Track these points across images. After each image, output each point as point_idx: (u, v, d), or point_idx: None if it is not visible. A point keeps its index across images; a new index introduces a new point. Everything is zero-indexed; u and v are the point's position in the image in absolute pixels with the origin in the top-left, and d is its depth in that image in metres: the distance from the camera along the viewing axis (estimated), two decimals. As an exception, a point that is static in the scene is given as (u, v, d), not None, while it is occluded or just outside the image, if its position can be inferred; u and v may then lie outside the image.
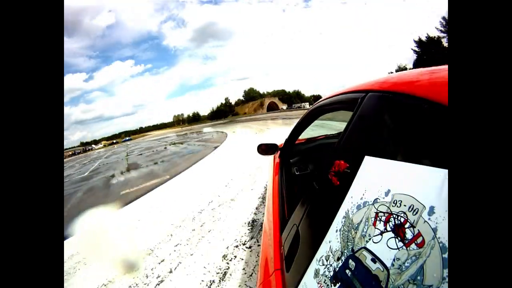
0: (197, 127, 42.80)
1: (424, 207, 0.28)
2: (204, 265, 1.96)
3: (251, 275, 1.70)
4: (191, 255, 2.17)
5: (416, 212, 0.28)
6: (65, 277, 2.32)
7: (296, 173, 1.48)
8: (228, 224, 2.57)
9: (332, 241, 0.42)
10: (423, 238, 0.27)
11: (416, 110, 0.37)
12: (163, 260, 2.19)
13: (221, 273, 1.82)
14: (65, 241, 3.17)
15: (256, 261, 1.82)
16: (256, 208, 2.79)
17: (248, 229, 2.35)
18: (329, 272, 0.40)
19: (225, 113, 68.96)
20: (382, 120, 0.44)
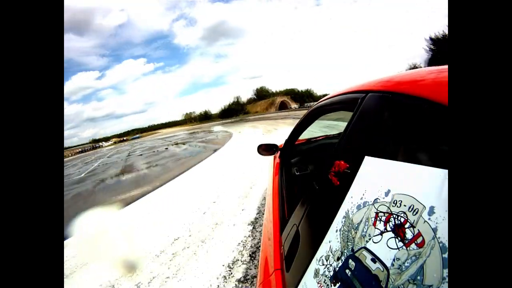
0: (205, 126, 42.05)
1: (424, 207, 0.28)
2: None
3: None
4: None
5: (416, 212, 0.28)
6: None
7: (296, 173, 1.48)
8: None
9: (332, 241, 0.42)
10: (423, 238, 0.27)
11: (416, 110, 0.37)
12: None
13: None
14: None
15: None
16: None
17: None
18: (329, 272, 0.40)
19: (235, 111, 68.25)
20: (382, 120, 0.44)
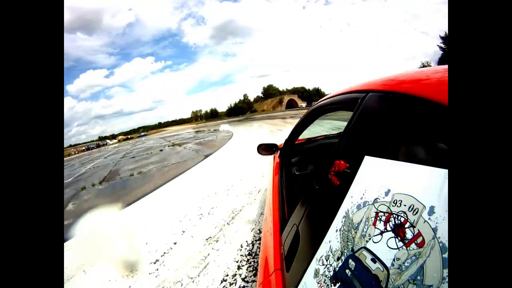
0: (210, 124, 41.31)
1: (424, 207, 0.28)
2: None
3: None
4: None
5: (416, 212, 0.28)
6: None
7: (296, 173, 1.48)
8: None
9: (332, 241, 0.42)
10: (423, 238, 0.27)
11: (416, 110, 0.37)
12: None
13: None
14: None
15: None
16: None
17: None
18: (329, 272, 0.40)
19: (242, 110, 67.84)
20: (382, 120, 0.44)
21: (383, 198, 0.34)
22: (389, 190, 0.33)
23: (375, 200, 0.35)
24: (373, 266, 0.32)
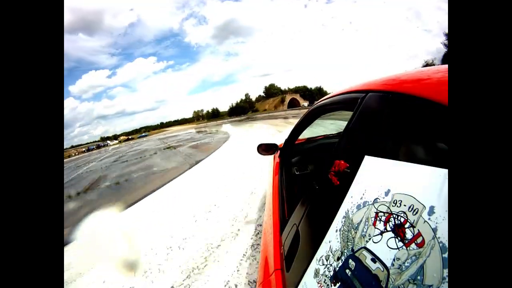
0: (211, 124, 40.42)
1: (424, 207, 0.28)
2: None
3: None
4: None
5: (416, 212, 0.28)
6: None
7: (296, 173, 1.48)
8: None
9: (332, 241, 0.42)
10: (423, 238, 0.27)
11: (416, 110, 0.37)
12: None
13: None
14: None
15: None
16: None
17: None
18: (329, 272, 0.40)
19: (244, 109, 66.93)
20: (382, 120, 0.44)
21: (383, 198, 0.34)
22: (389, 190, 0.33)
23: (375, 200, 0.35)
24: (373, 266, 0.32)
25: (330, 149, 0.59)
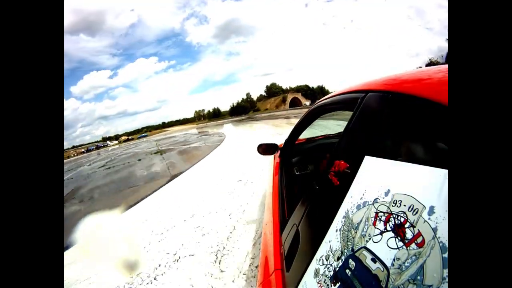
0: (210, 124, 39.87)
1: (424, 207, 0.28)
2: None
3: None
4: None
5: (416, 212, 0.28)
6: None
7: (296, 173, 1.48)
8: None
9: (332, 240, 0.42)
10: (423, 238, 0.27)
11: (416, 110, 0.37)
12: None
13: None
14: None
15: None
16: None
17: None
18: (329, 271, 0.40)
19: (245, 109, 66.12)
20: (382, 120, 0.44)
21: (383, 198, 0.34)
22: (389, 190, 0.33)
23: (375, 200, 0.35)
24: (373, 266, 0.32)
25: (330, 149, 0.59)
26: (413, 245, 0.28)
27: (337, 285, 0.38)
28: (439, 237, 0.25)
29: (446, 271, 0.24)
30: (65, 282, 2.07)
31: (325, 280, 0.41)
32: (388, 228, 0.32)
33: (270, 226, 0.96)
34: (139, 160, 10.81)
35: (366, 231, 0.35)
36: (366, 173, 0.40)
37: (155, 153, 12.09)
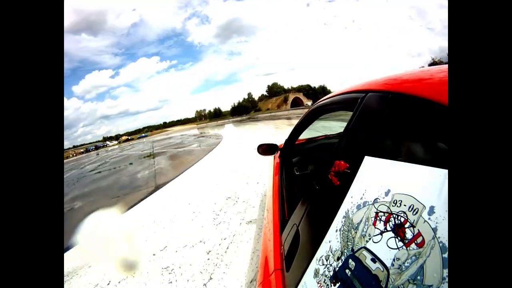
0: (211, 125, 39.03)
1: (424, 207, 0.28)
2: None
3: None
4: None
5: (416, 212, 0.28)
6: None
7: (296, 173, 1.48)
8: None
9: (332, 241, 0.42)
10: (423, 238, 0.27)
11: (416, 110, 0.37)
12: None
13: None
14: None
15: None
16: None
17: None
18: (329, 271, 0.40)
19: (246, 108, 65.96)
20: (382, 120, 0.44)
21: (383, 198, 0.34)
22: (389, 190, 0.33)
23: (375, 200, 0.35)
24: (373, 266, 0.32)
25: (330, 149, 0.59)
26: (413, 245, 0.28)
27: (337, 285, 0.38)
28: (439, 237, 0.25)
29: (446, 271, 0.24)
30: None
31: (325, 280, 0.41)
32: (388, 228, 0.32)
33: (270, 226, 0.96)
34: (131, 163, 10.06)
35: (366, 231, 0.35)
36: (366, 173, 0.40)
37: (147, 156, 11.31)
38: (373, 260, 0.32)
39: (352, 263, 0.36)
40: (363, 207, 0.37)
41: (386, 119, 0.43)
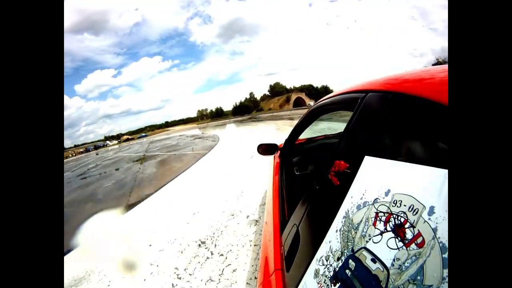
0: (211, 125, 38.61)
1: (424, 207, 0.28)
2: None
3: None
4: None
5: (416, 212, 0.28)
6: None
7: (296, 173, 1.48)
8: None
9: (332, 241, 0.42)
10: (423, 238, 0.27)
11: (416, 110, 0.37)
12: None
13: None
14: None
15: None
16: None
17: None
18: (329, 272, 0.40)
19: (248, 108, 65.57)
20: (382, 120, 0.44)
21: (383, 198, 0.34)
22: (389, 190, 0.33)
23: (375, 200, 0.35)
24: (373, 266, 0.32)
25: (330, 149, 0.59)
26: (413, 245, 0.28)
27: (337, 285, 0.38)
28: (439, 237, 0.25)
29: (446, 271, 0.24)
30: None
31: (325, 280, 0.41)
32: (388, 228, 0.32)
33: (270, 226, 0.96)
34: (117, 169, 9.13)
35: (366, 231, 0.35)
36: (366, 173, 0.40)
37: (137, 160, 10.48)
38: (373, 260, 0.32)
39: (352, 263, 0.36)
40: (363, 207, 0.37)
41: (386, 119, 0.43)
